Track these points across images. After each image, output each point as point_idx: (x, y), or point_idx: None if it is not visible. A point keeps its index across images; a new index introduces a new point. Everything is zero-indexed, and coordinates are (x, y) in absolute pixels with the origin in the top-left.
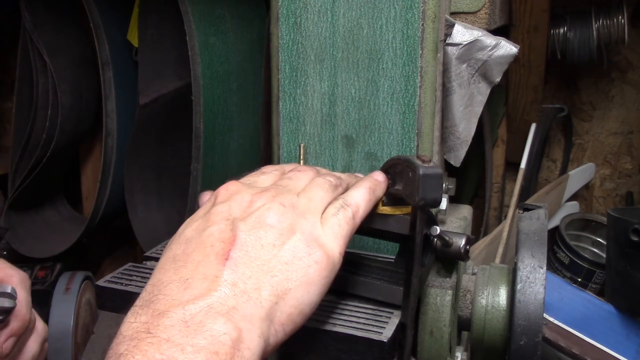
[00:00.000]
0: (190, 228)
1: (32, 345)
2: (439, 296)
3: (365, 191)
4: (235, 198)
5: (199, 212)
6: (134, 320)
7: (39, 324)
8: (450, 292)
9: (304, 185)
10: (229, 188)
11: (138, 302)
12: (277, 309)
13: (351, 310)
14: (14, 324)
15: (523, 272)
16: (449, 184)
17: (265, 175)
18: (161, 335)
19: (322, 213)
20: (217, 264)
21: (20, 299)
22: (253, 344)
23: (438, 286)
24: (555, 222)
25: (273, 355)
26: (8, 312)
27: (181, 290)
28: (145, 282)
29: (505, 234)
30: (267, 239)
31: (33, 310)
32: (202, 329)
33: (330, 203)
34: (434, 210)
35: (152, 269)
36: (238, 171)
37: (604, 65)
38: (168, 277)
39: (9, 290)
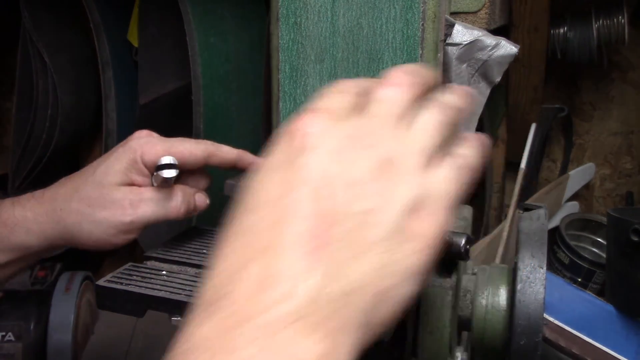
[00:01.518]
0: (264, 187)
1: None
2: (439, 296)
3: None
4: (333, 145)
5: (275, 158)
6: (201, 323)
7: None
8: (450, 292)
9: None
10: (321, 126)
11: (201, 300)
12: (377, 310)
13: None
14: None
15: (523, 272)
16: None
17: (345, 97)
18: (237, 354)
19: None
20: (301, 257)
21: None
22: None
23: (438, 286)
24: (555, 222)
25: None
26: (168, 181)
27: (255, 294)
28: (145, 282)
29: (505, 234)
30: (369, 218)
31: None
32: (286, 349)
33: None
34: None
35: (152, 269)
36: (238, 171)
37: (604, 65)
38: (233, 273)
39: (169, 161)
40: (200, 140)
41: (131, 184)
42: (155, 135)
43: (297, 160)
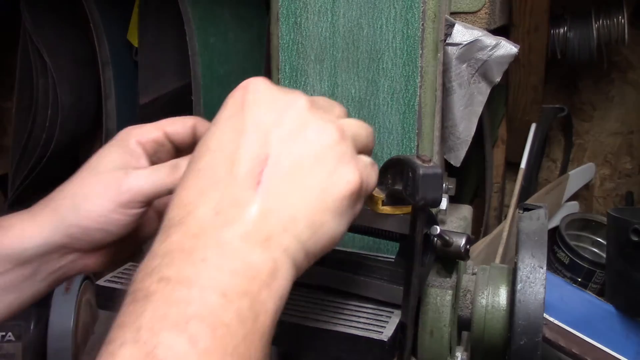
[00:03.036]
0: (215, 137)
1: None
2: (439, 296)
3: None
4: (268, 100)
5: (225, 113)
6: (165, 239)
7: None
8: (450, 292)
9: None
10: (260, 87)
11: (165, 222)
12: (312, 240)
13: (351, 310)
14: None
15: (523, 272)
16: (449, 184)
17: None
18: (196, 255)
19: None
20: (248, 189)
21: None
22: (288, 273)
23: (438, 286)
24: (555, 222)
25: (273, 355)
26: None
27: (212, 216)
28: None
29: (505, 234)
30: (306, 158)
31: None
32: (238, 255)
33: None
34: (434, 210)
35: None
36: None
37: (604, 65)
38: (194, 199)
39: None
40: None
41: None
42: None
43: (242, 113)
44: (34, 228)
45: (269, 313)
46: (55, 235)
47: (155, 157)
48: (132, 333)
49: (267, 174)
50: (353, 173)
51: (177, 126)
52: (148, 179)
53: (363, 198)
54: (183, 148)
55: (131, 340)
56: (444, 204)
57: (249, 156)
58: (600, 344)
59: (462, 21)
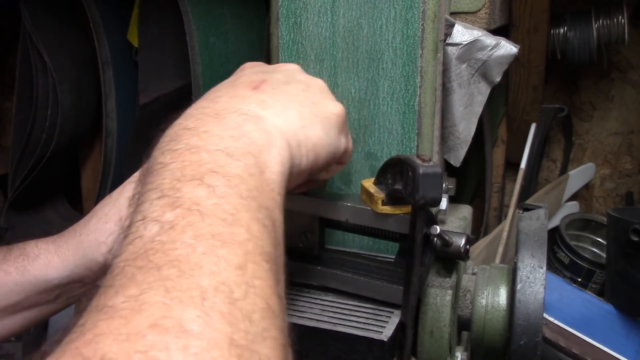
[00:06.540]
0: (220, 84)
1: None
2: (439, 296)
3: None
4: (262, 64)
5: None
6: (171, 128)
7: None
8: (450, 292)
9: None
10: (254, 62)
11: (177, 121)
12: (303, 133)
13: (351, 310)
14: None
15: (523, 272)
16: (449, 184)
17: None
18: (199, 129)
19: None
20: (246, 89)
21: None
22: (284, 150)
23: (438, 286)
24: (555, 222)
25: None
26: None
27: (211, 104)
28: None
29: (505, 234)
30: (296, 86)
31: None
32: (235, 125)
33: None
34: (434, 210)
35: None
36: None
37: (604, 65)
38: (199, 104)
39: None
40: None
41: None
42: None
43: (240, 72)
44: (58, 261)
45: (273, 171)
46: (77, 268)
47: None
48: (157, 193)
49: (264, 86)
50: (338, 104)
51: None
52: None
53: (345, 135)
54: None
55: (157, 197)
56: (444, 204)
57: (248, 79)
58: (600, 344)
59: (462, 21)
